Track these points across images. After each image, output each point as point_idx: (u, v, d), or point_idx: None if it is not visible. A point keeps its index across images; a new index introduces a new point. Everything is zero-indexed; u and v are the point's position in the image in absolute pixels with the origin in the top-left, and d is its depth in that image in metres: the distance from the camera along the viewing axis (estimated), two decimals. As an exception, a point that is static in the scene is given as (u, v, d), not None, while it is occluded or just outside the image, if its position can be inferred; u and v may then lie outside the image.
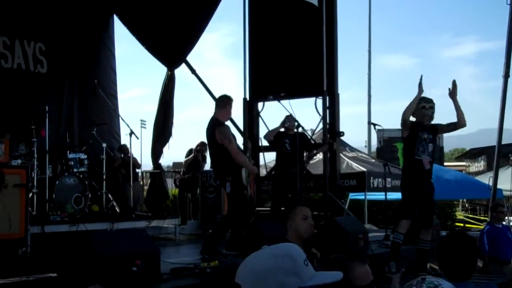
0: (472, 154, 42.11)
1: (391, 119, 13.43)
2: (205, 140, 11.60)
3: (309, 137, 11.47)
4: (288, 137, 10.03)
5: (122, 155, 12.15)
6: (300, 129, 10.00)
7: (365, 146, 25.47)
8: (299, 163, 9.65)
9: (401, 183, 7.68)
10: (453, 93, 7.36)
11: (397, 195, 13.67)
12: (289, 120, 10.12)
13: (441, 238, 3.50)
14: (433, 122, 7.61)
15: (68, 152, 9.62)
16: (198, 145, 13.00)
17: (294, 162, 9.61)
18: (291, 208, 4.99)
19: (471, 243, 3.46)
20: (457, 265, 3.33)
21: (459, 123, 7.48)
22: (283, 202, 9.73)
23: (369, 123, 14.14)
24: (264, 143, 11.60)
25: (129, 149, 11.06)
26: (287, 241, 4.62)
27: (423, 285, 2.60)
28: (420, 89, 7.37)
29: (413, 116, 7.51)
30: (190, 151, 13.23)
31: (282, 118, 10.19)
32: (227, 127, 7.73)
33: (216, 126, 7.56)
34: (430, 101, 7.45)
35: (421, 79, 7.41)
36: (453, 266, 3.34)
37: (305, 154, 10.71)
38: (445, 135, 22.05)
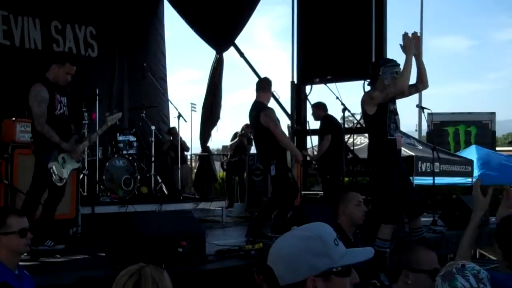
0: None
1: (443, 103, 13.37)
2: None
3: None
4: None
5: (171, 138, 12.30)
6: (346, 113, 9.94)
7: (416, 131, 25.14)
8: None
9: (375, 174, 6.59)
10: (408, 47, 6.17)
11: (446, 180, 13.57)
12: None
13: (501, 222, 3.28)
14: None
15: (118, 134, 9.79)
16: (242, 128, 13.05)
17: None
18: (343, 193, 4.98)
19: None
20: None
21: (422, 84, 6.44)
22: (329, 186, 9.76)
23: (418, 106, 13.89)
24: (312, 126, 11.59)
25: (178, 132, 11.21)
26: (339, 226, 4.64)
27: (465, 272, 2.58)
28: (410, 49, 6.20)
29: (378, 85, 6.34)
30: (235, 135, 13.31)
31: (331, 101, 10.20)
32: (273, 110, 7.75)
33: (262, 109, 7.59)
34: (397, 64, 6.40)
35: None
36: None
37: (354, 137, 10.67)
38: (499, 119, 21.56)
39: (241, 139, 13.00)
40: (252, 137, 12.58)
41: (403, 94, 6.40)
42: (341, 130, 10.10)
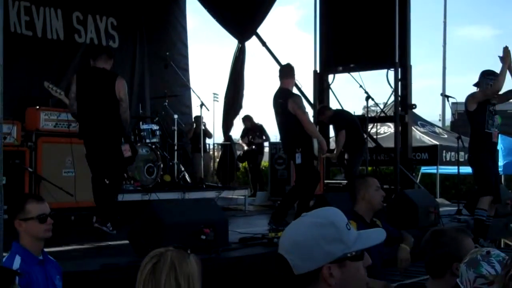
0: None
1: (467, 92, 13.10)
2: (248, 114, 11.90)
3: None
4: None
5: (194, 126, 12.28)
6: (371, 101, 9.90)
7: (439, 120, 24.97)
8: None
9: (471, 158, 7.61)
10: (504, 59, 7.20)
11: (471, 169, 13.43)
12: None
13: None
14: None
15: (141, 123, 9.83)
16: (244, 121, 13.14)
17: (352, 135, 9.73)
18: (362, 179, 4.95)
19: None
20: None
21: None
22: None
23: (442, 95, 13.77)
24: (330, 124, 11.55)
25: (201, 120, 11.23)
26: (355, 214, 4.61)
27: (491, 259, 2.55)
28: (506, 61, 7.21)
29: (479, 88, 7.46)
30: (245, 131, 13.31)
31: (353, 91, 10.21)
32: (300, 97, 7.73)
33: (289, 96, 7.53)
34: (495, 74, 7.40)
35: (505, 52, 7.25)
36: None
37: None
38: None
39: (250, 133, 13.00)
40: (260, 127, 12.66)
41: (501, 98, 7.56)
42: (353, 122, 10.08)
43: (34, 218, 3.45)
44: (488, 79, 7.42)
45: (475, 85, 7.59)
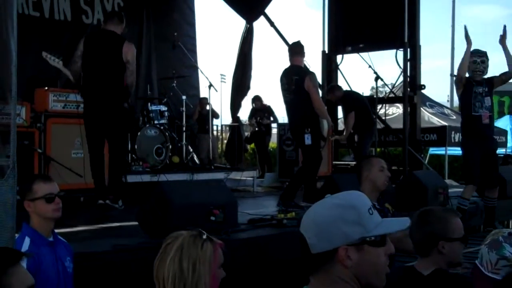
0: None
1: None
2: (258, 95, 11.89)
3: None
4: None
5: (200, 108, 12.25)
6: (379, 82, 9.85)
7: (447, 101, 24.85)
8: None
9: (461, 143, 7.61)
10: (503, 39, 7.19)
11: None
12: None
13: None
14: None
15: (149, 104, 9.81)
16: (254, 102, 13.10)
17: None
18: (366, 160, 4.94)
19: None
20: None
21: (510, 72, 7.27)
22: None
23: (451, 75, 13.71)
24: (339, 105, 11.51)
25: (209, 102, 11.20)
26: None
27: None
28: (468, 42, 7.20)
29: (468, 71, 7.31)
30: (253, 111, 13.26)
31: (361, 71, 10.20)
32: (316, 76, 7.69)
33: (306, 74, 7.47)
34: (482, 54, 7.25)
35: (466, 30, 7.26)
36: None
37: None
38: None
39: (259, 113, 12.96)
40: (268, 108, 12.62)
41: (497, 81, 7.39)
42: (363, 104, 10.05)
43: (41, 198, 3.45)
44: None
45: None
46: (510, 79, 7.44)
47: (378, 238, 1.76)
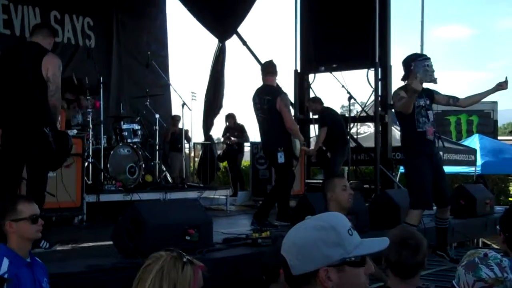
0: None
1: (444, 92, 13.18)
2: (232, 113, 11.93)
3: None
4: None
5: (172, 127, 12.21)
6: (352, 101, 9.96)
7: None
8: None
9: (405, 162, 6.84)
10: (499, 86, 6.39)
11: (450, 169, 13.57)
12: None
13: (505, 212, 3.41)
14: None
15: (122, 122, 9.77)
16: (228, 119, 13.13)
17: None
18: (329, 180, 5.01)
19: None
20: None
21: (463, 103, 6.69)
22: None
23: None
24: (315, 115, 11.61)
25: (181, 120, 11.18)
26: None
27: (489, 261, 2.57)
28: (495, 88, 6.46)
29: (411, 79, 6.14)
30: (226, 129, 13.28)
31: (333, 90, 10.30)
32: (288, 96, 7.74)
33: (278, 94, 7.52)
34: (428, 57, 6.41)
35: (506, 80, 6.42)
36: None
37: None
38: (500, 108, 21.49)
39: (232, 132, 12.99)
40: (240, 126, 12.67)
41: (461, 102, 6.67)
42: (339, 122, 10.14)
43: (26, 219, 3.43)
44: (421, 62, 6.29)
45: (403, 76, 6.43)
46: (454, 106, 6.86)
47: (358, 259, 1.78)
